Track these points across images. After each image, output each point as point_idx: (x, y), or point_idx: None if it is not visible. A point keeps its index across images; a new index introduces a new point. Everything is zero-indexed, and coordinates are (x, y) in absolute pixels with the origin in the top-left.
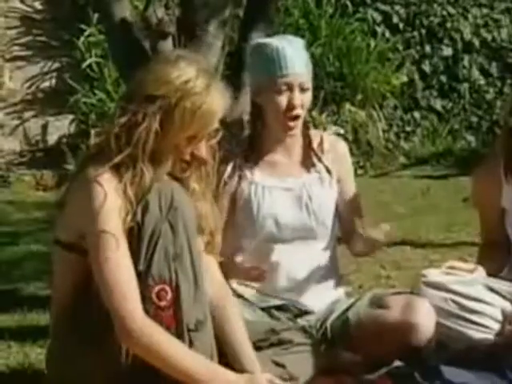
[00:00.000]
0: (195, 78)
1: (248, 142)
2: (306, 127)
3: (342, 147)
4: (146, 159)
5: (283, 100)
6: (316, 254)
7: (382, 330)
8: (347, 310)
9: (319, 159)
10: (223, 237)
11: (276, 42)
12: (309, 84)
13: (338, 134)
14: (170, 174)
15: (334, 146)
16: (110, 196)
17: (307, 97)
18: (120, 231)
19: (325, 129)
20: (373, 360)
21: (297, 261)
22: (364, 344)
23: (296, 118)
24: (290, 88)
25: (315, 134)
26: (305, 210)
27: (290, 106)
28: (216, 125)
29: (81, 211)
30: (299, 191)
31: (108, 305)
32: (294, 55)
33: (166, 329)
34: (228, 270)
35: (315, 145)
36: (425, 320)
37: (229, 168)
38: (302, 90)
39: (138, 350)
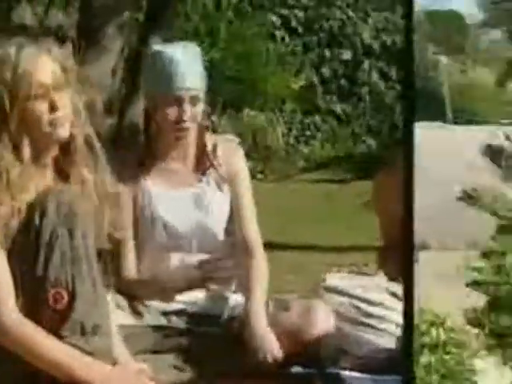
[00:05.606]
0: None
1: (142, 149)
2: (200, 134)
3: (234, 151)
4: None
5: (173, 114)
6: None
7: (281, 332)
8: None
9: (212, 165)
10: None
11: (172, 52)
12: (201, 95)
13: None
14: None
15: (226, 151)
16: None
17: (199, 108)
18: None
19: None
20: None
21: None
22: None
23: (185, 129)
24: (180, 102)
25: (209, 139)
26: (202, 217)
27: (179, 120)
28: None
29: None
30: (194, 200)
31: None
32: (187, 69)
33: (59, 331)
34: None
35: (209, 150)
36: (322, 323)
37: (125, 177)
38: (193, 102)
39: (10, 346)
